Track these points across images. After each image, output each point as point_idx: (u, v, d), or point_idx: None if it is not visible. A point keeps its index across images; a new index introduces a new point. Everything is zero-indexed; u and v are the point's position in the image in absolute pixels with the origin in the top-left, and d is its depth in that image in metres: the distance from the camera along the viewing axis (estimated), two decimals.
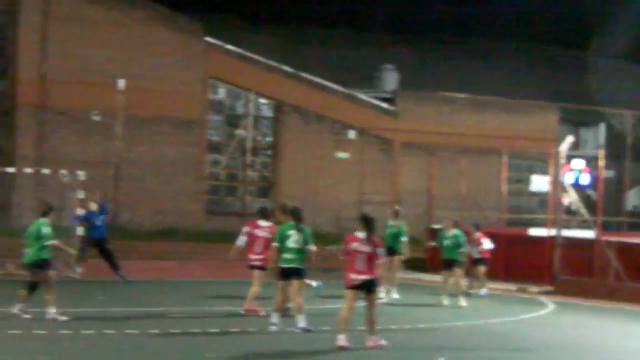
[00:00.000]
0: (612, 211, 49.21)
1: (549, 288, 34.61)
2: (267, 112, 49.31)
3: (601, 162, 40.94)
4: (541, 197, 49.35)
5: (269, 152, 49.27)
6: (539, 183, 48.47)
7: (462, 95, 51.25)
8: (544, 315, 28.42)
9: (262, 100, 48.81)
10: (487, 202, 46.36)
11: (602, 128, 49.36)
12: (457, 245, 29.62)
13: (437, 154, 47.97)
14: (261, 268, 23.41)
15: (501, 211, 43.54)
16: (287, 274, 21.69)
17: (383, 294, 29.01)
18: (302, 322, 21.44)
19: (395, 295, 30.19)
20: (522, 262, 37.13)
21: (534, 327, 25.57)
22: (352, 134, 48.79)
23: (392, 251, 29.31)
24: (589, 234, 38.96)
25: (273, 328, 21.48)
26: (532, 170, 50.90)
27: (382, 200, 47.65)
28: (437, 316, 27.08)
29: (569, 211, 42.24)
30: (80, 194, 34.11)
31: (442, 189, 47.13)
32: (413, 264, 40.88)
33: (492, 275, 34.41)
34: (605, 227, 41.01)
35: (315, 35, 64.25)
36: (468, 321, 25.65)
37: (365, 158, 48.65)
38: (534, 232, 41.60)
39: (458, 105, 51.48)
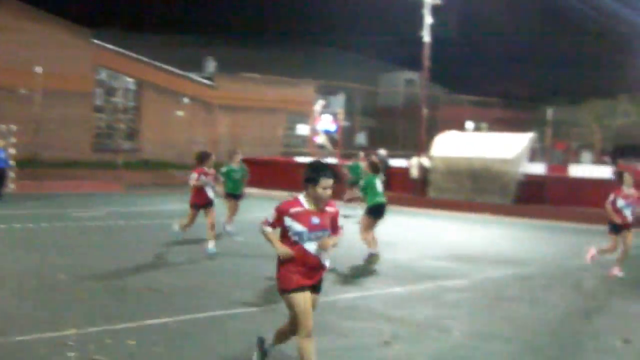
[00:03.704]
0: (347, 146, 51.41)
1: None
2: (132, 87, 50.88)
3: (340, 117, 45.02)
4: (304, 138, 52.13)
5: (134, 112, 50.97)
6: (303, 129, 51.80)
7: (256, 75, 53.57)
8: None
9: (129, 79, 50.53)
10: (272, 141, 50.05)
11: (341, 95, 53.21)
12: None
13: (240, 112, 51.83)
14: None
15: (278, 147, 47.77)
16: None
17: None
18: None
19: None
20: (292, 178, 38.39)
21: None
22: (186, 100, 50.85)
23: None
24: (333, 160, 40.45)
25: None
26: (298, 122, 52.95)
27: (205, 141, 49.93)
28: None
29: (320, 146, 46.95)
30: (12, 140, 34.09)
31: (245, 134, 50.65)
32: None
33: (275, 187, 35.75)
34: (343, 156, 42.12)
35: (167, 39, 67.20)
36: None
37: (195, 115, 51.19)
38: (299, 159, 42.90)
39: (254, 82, 53.58)
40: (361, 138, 61.41)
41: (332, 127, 49.28)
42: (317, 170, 7.69)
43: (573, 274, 16.14)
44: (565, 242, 22.56)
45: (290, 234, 7.55)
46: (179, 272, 14.32)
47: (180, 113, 50.31)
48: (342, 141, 47.18)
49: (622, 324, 11.35)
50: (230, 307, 11.29)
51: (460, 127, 44.89)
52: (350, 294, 12.80)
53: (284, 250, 7.55)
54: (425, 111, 37.40)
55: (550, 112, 36.90)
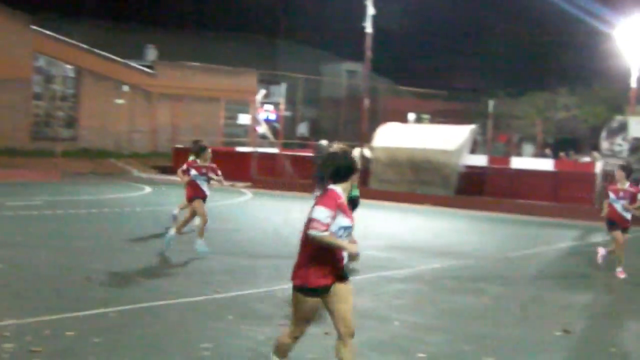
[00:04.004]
0: (288, 137, 51.79)
1: (249, 184, 36.47)
2: (71, 74, 49.87)
3: (282, 107, 45.12)
4: (245, 127, 52.04)
5: (73, 99, 49.98)
6: (244, 119, 51.74)
7: (197, 64, 53.05)
8: (246, 200, 30.41)
9: (68, 66, 49.58)
10: (211, 130, 49.74)
11: (283, 85, 53.27)
12: None
13: (180, 101, 51.58)
14: None
15: (219, 136, 47.63)
16: None
17: None
18: None
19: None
20: (232, 168, 36.81)
21: (242, 208, 26.82)
22: (126, 88, 50.13)
23: None
24: (274, 150, 41.65)
25: None
26: (239, 111, 52.96)
27: (145, 130, 50.76)
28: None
29: (262, 136, 46.88)
30: None
31: (183, 122, 50.35)
32: (164, 170, 43.45)
33: None
34: (285, 146, 43.69)
35: (107, 25, 66.60)
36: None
37: (135, 103, 50.63)
38: (240, 149, 43.57)
39: (195, 70, 53.13)
40: (303, 128, 61.61)
41: (273, 117, 49.47)
42: (352, 160, 7.19)
43: (514, 265, 16.38)
44: (506, 233, 22.88)
45: (332, 227, 6.81)
46: (118, 262, 14.19)
47: (120, 101, 49.72)
48: (284, 131, 47.36)
49: (563, 315, 11.53)
50: (170, 298, 11.24)
51: (403, 119, 45.12)
52: (291, 284, 12.74)
53: (355, 246, 6.98)
54: (367, 102, 37.53)
55: (491, 104, 37.27)
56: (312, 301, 6.99)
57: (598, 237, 22.26)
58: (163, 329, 9.52)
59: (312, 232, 6.76)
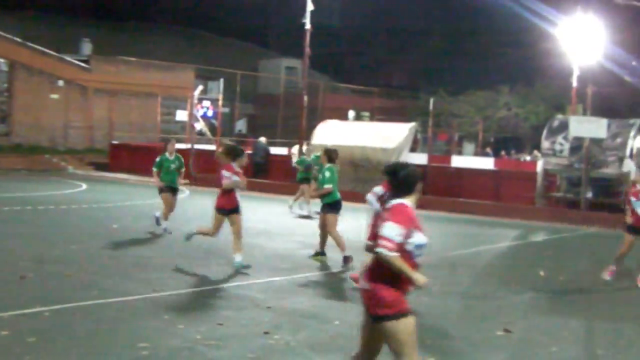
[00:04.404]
0: (227, 133, 51.29)
1: (186, 181, 37.26)
2: (4, 67, 48.84)
3: (220, 103, 44.93)
4: (182, 124, 51.87)
5: (5, 94, 49.02)
6: (181, 115, 51.39)
7: (133, 59, 52.51)
8: (184, 197, 30.55)
9: (1, 60, 48.49)
10: (148, 127, 49.51)
11: (222, 81, 52.96)
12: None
13: (116, 96, 51.13)
14: None
15: (157, 133, 47.27)
16: None
17: None
18: None
19: None
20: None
21: (178, 206, 27.71)
22: (61, 83, 49.34)
23: None
24: (212, 147, 40.97)
25: None
26: (177, 107, 52.74)
27: (80, 126, 50.15)
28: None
29: (199, 133, 46.61)
30: None
31: (119, 118, 50.24)
32: (100, 167, 43.19)
33: (151, 174, 36.14)
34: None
35: (41, 18, 65.95)
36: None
37: (70, 98, 49.72)
38: (177, 145, 43.72)
39: (131, 65, 52.68)
40: (241, 125, 61.47)
41: (210, 113, 49.34)
42: (415, 169, 6.60)
43: (455, 264, 16.47)
44: (447, 232, 22.98)
45: (407, 246, 6.22)
46: (53, 260, 14.02)
47: (54, 96, 48.91)
48: (222, 128, 47.22)
49: (504, 314, 11.63)
50: (106, 297, 11.15)
51: (342, 116, 45.25)
52: (229, 283, 12.83)
53: (424, 278, 6.30)
54: (305, 99, 37.53)
55: (432, 102, 37.53)
56: (414, 322, 6.35)
57: (539, 236, 22.58)
58: (99, 329, 9.42)
59: (380, 251, 6.11)
